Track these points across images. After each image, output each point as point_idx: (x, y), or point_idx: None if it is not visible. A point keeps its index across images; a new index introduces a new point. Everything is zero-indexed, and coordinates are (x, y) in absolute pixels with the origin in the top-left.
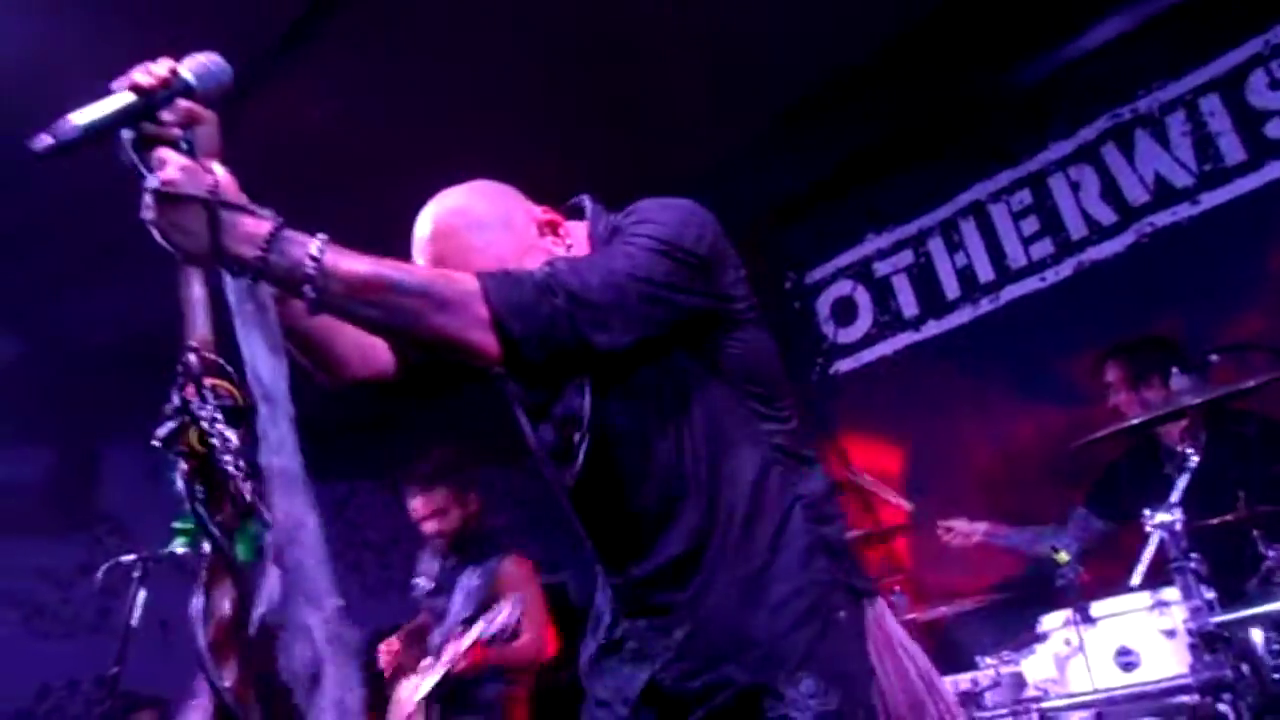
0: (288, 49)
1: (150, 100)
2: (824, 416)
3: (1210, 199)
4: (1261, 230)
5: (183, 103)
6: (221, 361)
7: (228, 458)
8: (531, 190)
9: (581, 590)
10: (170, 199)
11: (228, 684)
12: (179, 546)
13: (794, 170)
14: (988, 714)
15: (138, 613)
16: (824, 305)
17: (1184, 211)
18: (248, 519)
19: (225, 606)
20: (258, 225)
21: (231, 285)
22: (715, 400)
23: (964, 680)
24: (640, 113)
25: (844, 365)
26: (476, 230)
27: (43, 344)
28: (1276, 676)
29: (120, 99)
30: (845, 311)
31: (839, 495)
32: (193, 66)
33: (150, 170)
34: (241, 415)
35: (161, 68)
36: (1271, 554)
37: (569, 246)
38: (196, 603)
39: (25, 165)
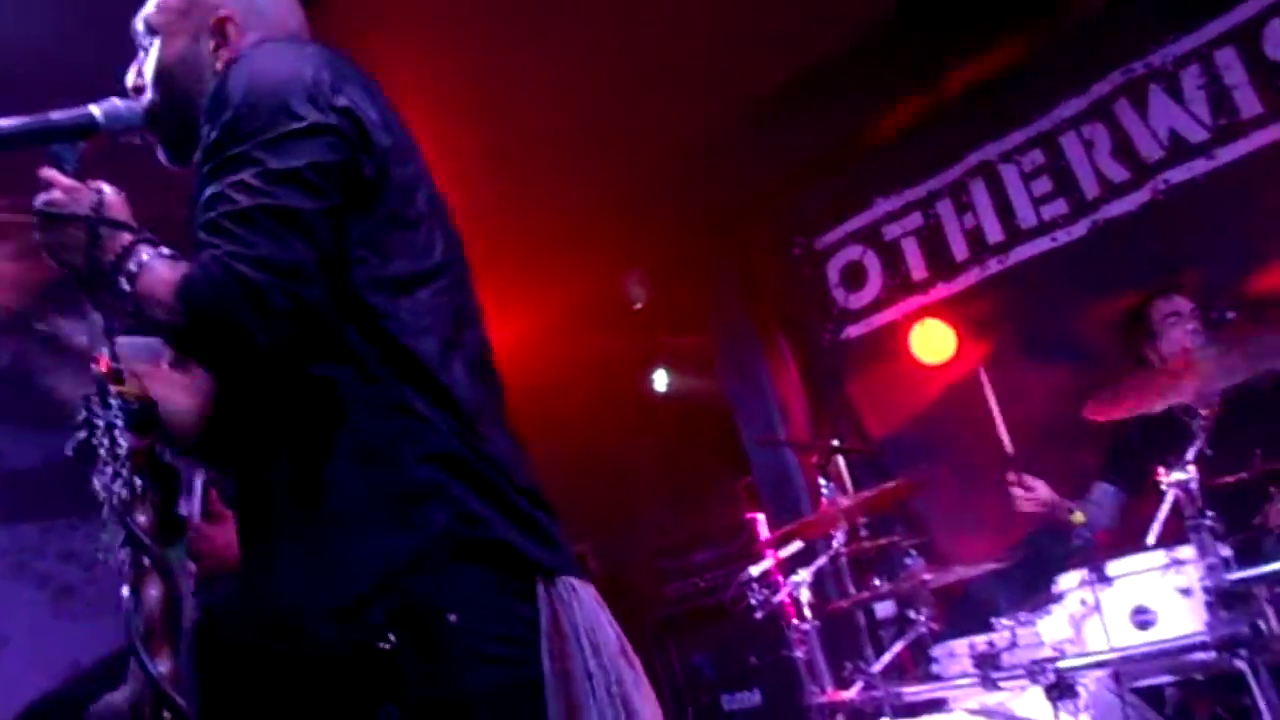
0: None
1: (50, 125)
2: (836, 382)
3: (1226, 153)
4: (1278, 184)
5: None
6: (123, 369)
7: (105, 469)
8: (530, 156)
9: (605, 560)
10: (53, 219)
11: (163, 670)
12: (100, 551)
13: (801, 136)
14: (1004, 674)
15: None
16: (834, 270)
17: (1199, 167)
18: (170, 521)
19: (154, 600)
20: (123, 238)
21: None
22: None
23: (981, 641)
24: (644, 79)
25: (854, 330)
26: (163, 13)
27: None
28: None
29: (27, 119)
30: (855, 276)
31: (500, 421)
32: (103, 104)
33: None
34: (149, 418)
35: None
36: None
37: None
38: (125, 598)
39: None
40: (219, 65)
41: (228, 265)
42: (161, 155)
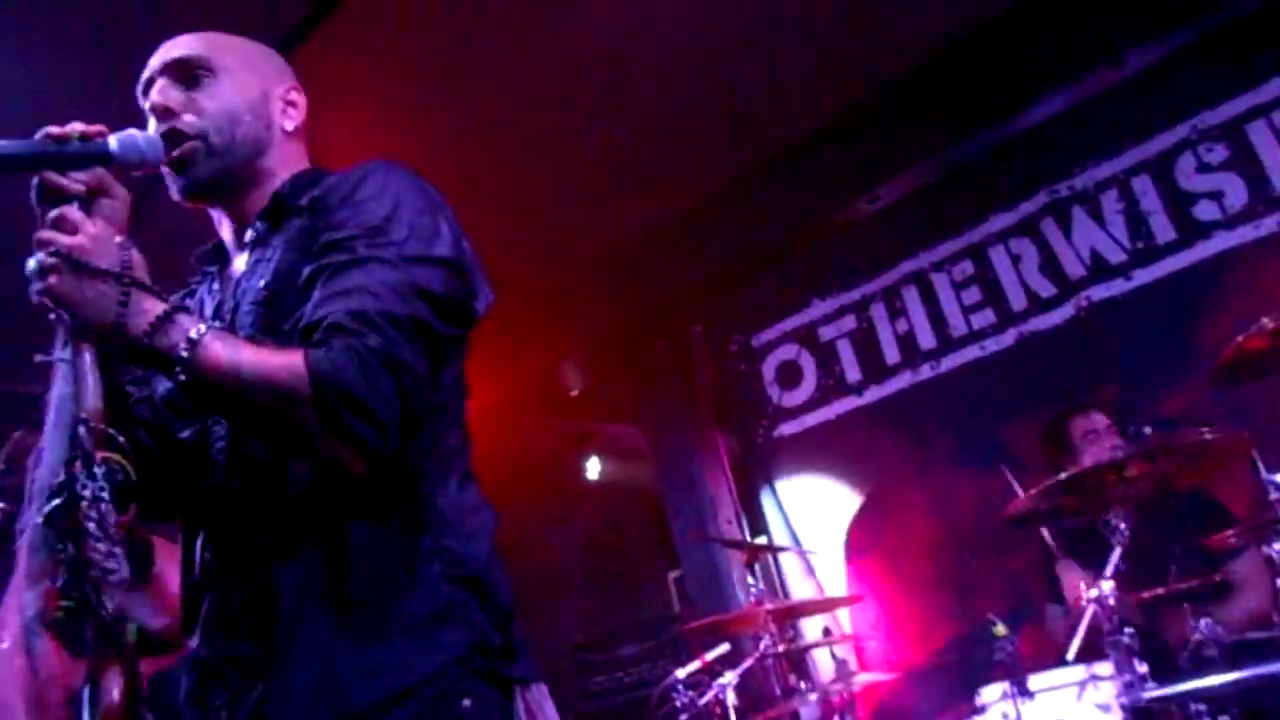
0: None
1: (61, 152)
2: (768, 480)
3: (1143, 275)
4: (1192, 307)
5: (98, 170)
6: (113, 433)
7: (98, 545)
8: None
9: None
10: (79, 268)
11: None
12: (58, 630)
13: (741, 234)
14: None
15: None
16: (769, 368)
17: (1118, 286)
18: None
19: (114, 695)
20: (155, 305)
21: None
22: None
23: None
24: (588, 175)
25: (788, 428)
26: (230, 59)
27: None
28: None
29: (34, 142)
30: (790, 375)
31: (496, 553)
32: (120, 135)
33: (51, 227)
34: (133, 491)
35: (87, 127)
36: (1201, 627)
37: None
38: (83, 690)
39: None
40: (289, 128)
41: (385, 360)
42: (176, 188)
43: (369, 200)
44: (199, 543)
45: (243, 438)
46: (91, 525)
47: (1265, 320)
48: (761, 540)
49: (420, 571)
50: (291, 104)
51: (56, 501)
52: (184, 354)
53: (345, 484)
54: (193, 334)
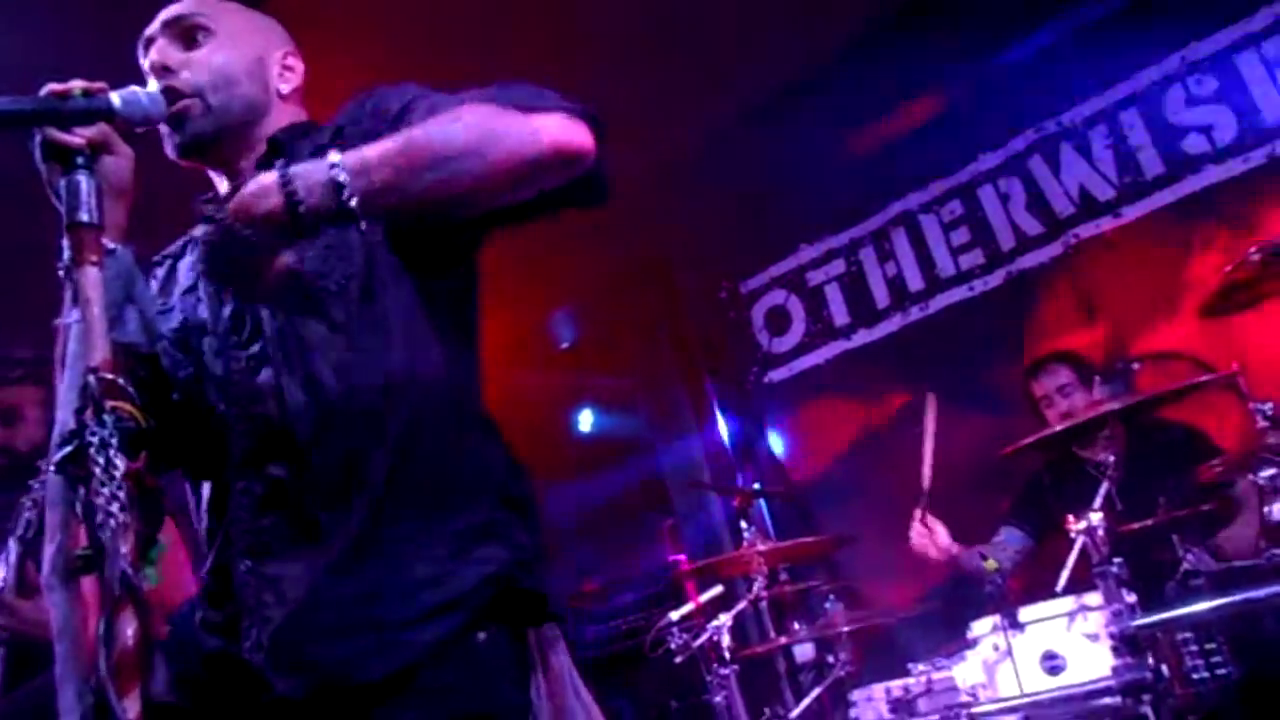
0: None
1: (64, 108)
2: (759, 425)
3: (1131, 211)
4: (1181, 242)
5: (101, 125)
6: (121, 382)
7: (104, 489)
8: None
9: None
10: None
11: (130, 716)
12: (81, 573)
13: (728, 181)
14: (920, 719)
15: None
16: (758, 315)
17: (1107, 223)
18: (149, 545)
19: (128, 635)
20: (259, 181)
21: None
22: (445, 307)
23: (896, 687)
24: None
25: (778, 374)
26: (228, 21)
27: None
28: (1195, 677)
29: (36, 98)
30: (779, 321)
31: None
32: (123, 92)
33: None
34: (143, 439)
35: (89, 84)
36: (1189, 557)
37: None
38: (98, 627)
39: None
40: (285, 90)
41: (581, 110)
42: (172, 145)
43: (405, 90)
44: (216, 481)
45: (299, 350)
46: (97, 470)
47: (1253, 252)
48: (754, 486)
49: (467, 487)
50: (289, 69)
51: (67, 449)
52: (342, 179)
53: (407, 400)
54: (332, 159)
